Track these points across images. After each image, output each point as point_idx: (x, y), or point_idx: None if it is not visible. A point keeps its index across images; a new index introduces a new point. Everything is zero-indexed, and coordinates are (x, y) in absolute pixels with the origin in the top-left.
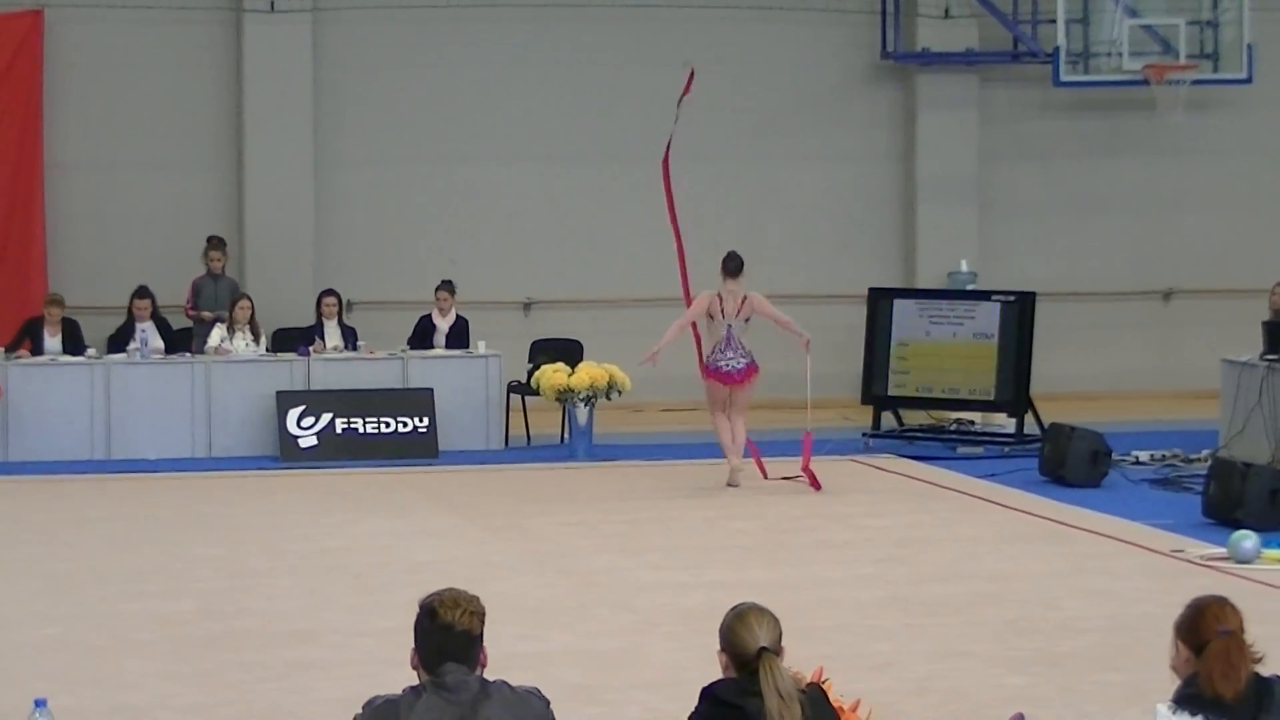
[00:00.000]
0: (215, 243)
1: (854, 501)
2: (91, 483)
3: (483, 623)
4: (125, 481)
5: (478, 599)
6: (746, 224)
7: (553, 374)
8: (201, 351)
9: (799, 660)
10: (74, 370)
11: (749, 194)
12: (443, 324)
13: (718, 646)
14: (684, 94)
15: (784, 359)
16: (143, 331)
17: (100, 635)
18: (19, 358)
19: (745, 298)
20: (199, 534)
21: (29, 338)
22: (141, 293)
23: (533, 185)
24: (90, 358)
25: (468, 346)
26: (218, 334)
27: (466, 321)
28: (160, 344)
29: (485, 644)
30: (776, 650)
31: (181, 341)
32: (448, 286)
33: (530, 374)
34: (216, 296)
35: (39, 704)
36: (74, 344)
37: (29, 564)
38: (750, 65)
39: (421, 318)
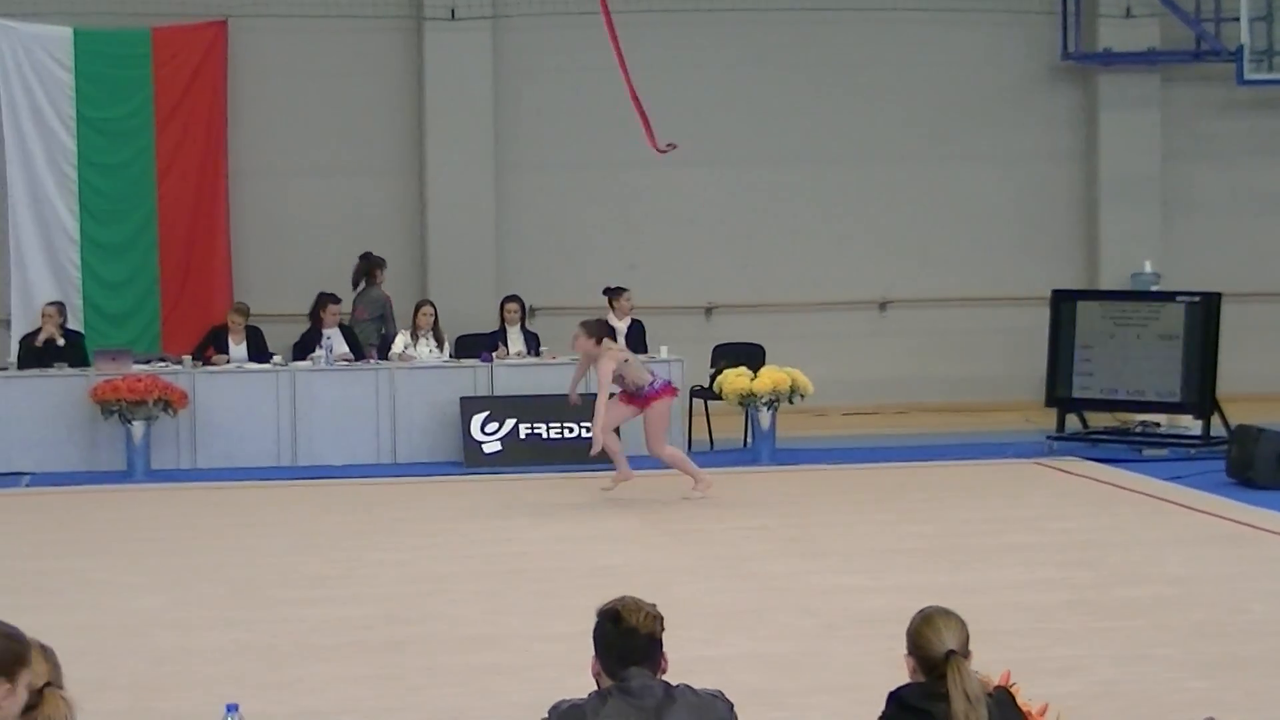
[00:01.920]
0: (381, 262)
1: (1037, 504)
2: (277, 489)
3: (663, 627)
4: (310, 488)
5: (655, 605)
6: (923, 226)
7: (735, 378)
8: (384, 357)
9: (982, 665)
10: (260, 378)
11: (926, 196)
12: (620, 326)
13: (903, 650)
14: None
15: (964, 362)
16: (328, 339)
17: (284, 639)
18: (207, 364)
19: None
20: (383, 539)
21: (213, 346)
22: (331, 299)
23: (713, 188)
24: (276, 365)
25: (644, 350)
26: (401, 341)
27: (642, 325)
28: (346, 350)
29: (665, 649)
30: (964, 654)
31: (357, 349)
32: (623, 290)
33: (713, 378)
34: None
35: (230, 709)
36: (258, 351)
37: (215, 569)
38: (928, 67)
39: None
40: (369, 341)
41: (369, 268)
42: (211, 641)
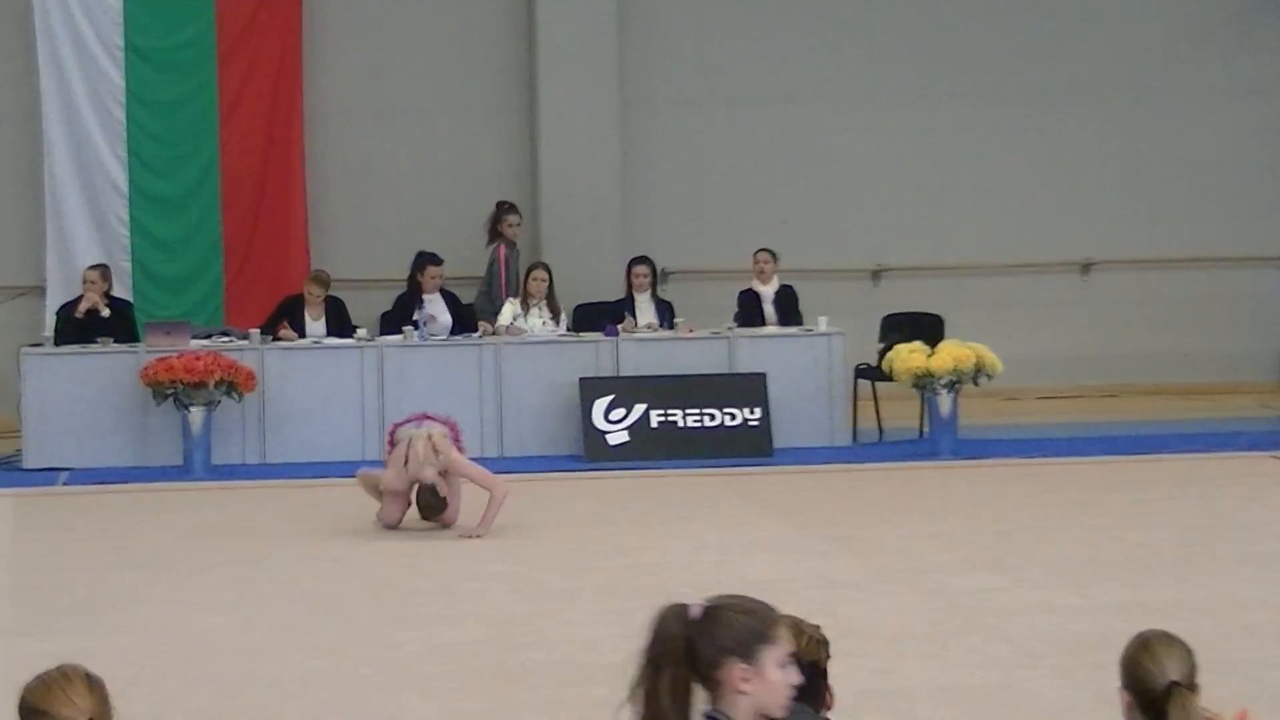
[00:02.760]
0: (511, 208)
1: (1277, 505)
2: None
3: (829, 654)
4: None
5: (819, 627)
6: (1135, 173)
7: (908, 355)
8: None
9: (1216, 701)
10: (342, 355)
11: (1138, 138)
12: (766, 291)
13: (1117, 683)
14: None
15: (1184, 336)
16: (427, 308)
17: (375, 668)
18: (278, 339)
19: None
20: (488, 548)
21: (287, 319)
22: (432, 259)
23: (881, 129)
24: (360, 340)
25: (796, 319)
26: (509, 311)
27: (792, 290)
28: (449, 320)
29: (830, 680)
30: (1190, 686)
31: (470, 319)
32: (767, 250)
33: (881, 355)
34: (518, 272)
35: None
36: (340, 325)
37: (291, 584)
38: None
39: (743, 291)
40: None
41: (498, 215)
42: (288, 670)
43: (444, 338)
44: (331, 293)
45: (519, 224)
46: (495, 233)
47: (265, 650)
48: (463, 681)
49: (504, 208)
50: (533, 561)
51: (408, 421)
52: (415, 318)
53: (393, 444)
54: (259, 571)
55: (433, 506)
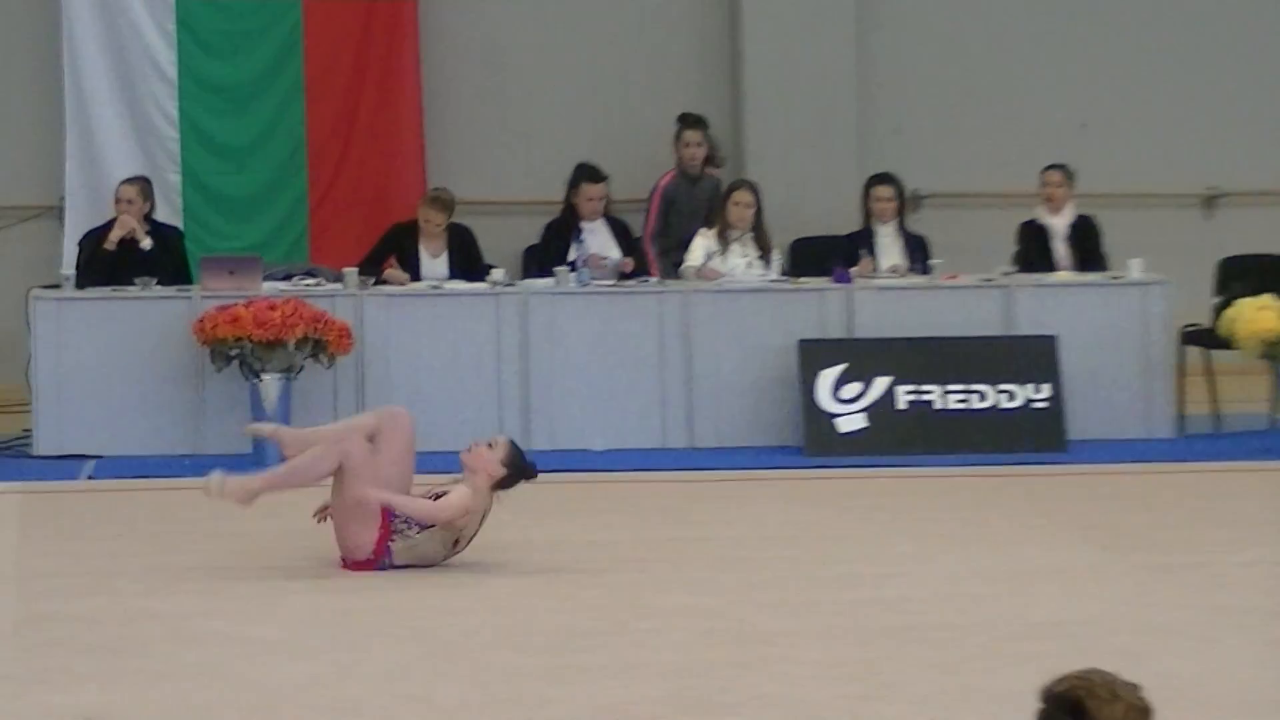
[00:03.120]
0: (692, 122)
1: None
2: None
3: None
4: (553, 488)
5: (1137, 688)
6: None
7: (1256, 314)
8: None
9: None
10: (470, 305)
11: None
12: (1057, 224)
13: None
14: None
15: None
16: (583, 240)
17: None
18: (382, 282)
19: None
20: (669, 574)
21: (395, 255)
22: (589, 174)
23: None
24: (495, 283)
25: (1099, 262)
26: (702, 247)
27: (1094, 222)
28: (614, 258)
29: None
30: None
31: (636, 259)
32: (1059, 167)
33: (1217, 313)
34: (693, 209)
35: None
36: (467, 264)
37: (397, 619)
38: None
39: (1025, 224)
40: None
41: (679, 130)
42: None
43: (611, 282)
44: (456, 220)
45: (699, 144)
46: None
47: (362, 711)
48: None
49: (685, 122)
50: (732, 593)
51: None
52: (572, 255)
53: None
54: (353, 601)
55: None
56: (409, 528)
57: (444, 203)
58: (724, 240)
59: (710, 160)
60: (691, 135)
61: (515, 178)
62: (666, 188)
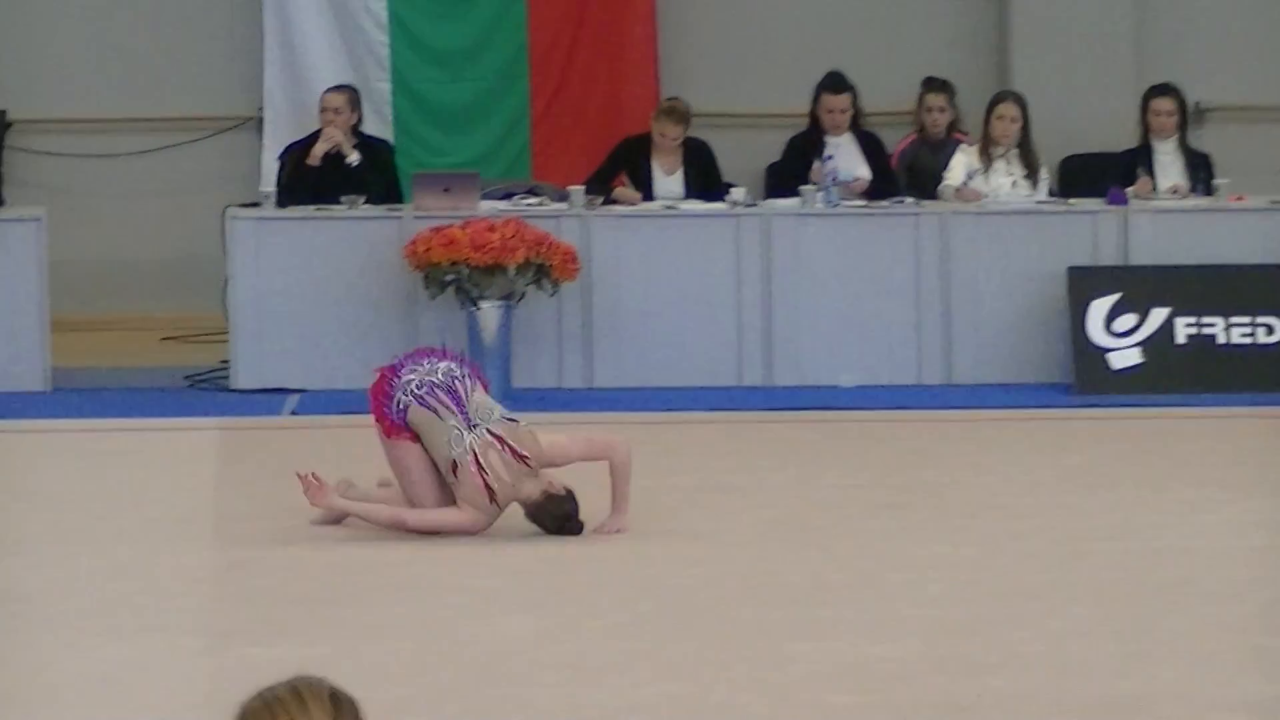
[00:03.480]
0: (937, 86)
1: None
2: (731, 426)
3: None
4: (797, 428)
5: None
6: None
7: None
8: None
9: None
10: (708, 227)
11: None
12: None
13: None
14: None
15: None
16: (830, 156)
17: (754, 695)
18: (612, 202)
19: None
20: (924, 522)
21: (625, 172)
22: (831, 84)
23: None
24: (735, 204)
25: None
26: (962, 164)
27: None
28: (863, 175)
29: None
30: None
31: (896, 176)
32: None
33: None
34: (934, 176)
35: None
36: (705, 182)
37: (627, 572)
38: None
39: None
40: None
41: (921, 94)
42: (624, 696)
43: (861, 203)
44: (692, 133)
45: (942, 109)
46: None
47: (588, 666)
48: (886, 717)
49: (928, 85)
50: (993, 543)
51: (395, 377)
52: (818, 172)
53: (388, 423)
54: (577, 550)
55: (570, 517)
56: None
57: (679, 115)
58: (987, 157)
59: (954, 127)
60: (934, 99)
61: (757, 88)
62: (905, 152)
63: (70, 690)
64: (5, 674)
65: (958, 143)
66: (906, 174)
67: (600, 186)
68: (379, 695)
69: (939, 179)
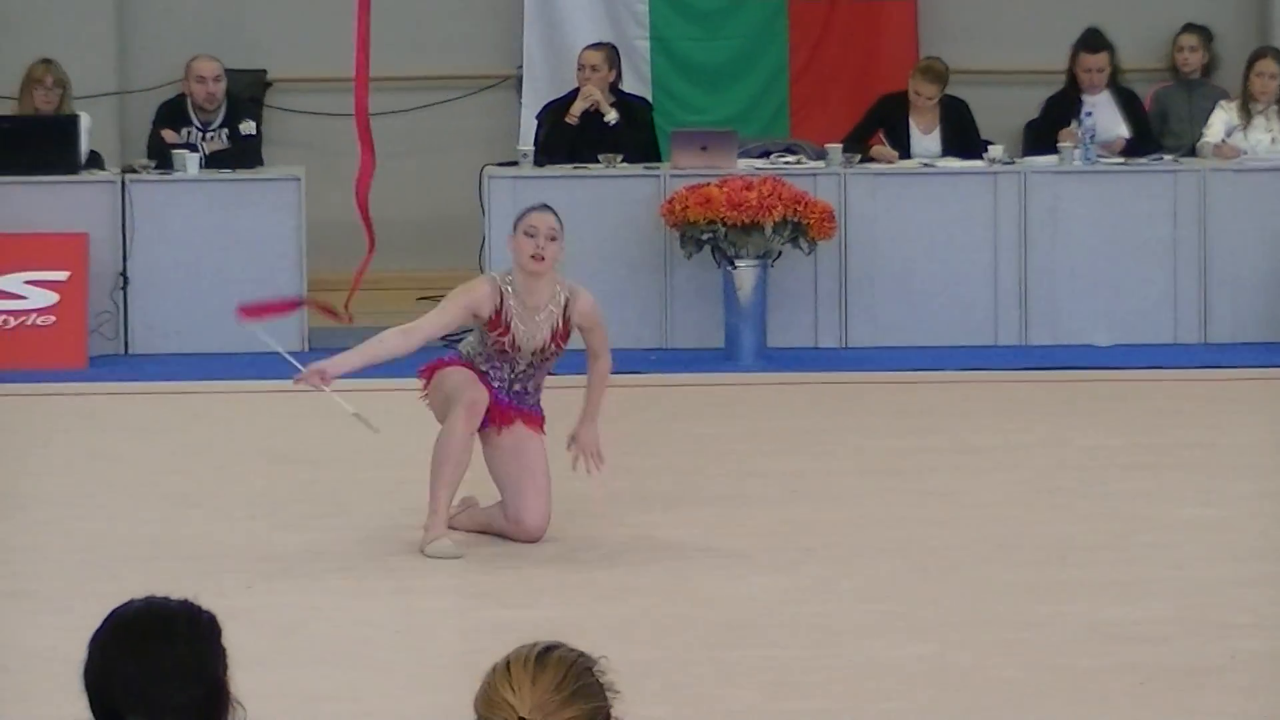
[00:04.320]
0: (1193, 28)
1: None
2: (989, 387)
3: None
4: (1053, 386)
5: None
6: None
7: None
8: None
9: None
10: (964, 185)
11: None
12: None
13: None
14: None
15: None
16: (1088, 113)
17: (1005, 659)
18: (869, 160)
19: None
20: (1178, 483)
21: (882, 129)
22: (1088, 43)
23: None
24: (993, 161)
25: None
26: (1221, 120)
27: None
28: (1124, 132)
29: None
30: None
31: (1154, 133)
32: None
33: None
34: (1191, 118)
35: None
36: (963, 141)
37: (872, 527)
38: None
39: None
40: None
41: (1176, 35)
42: (864, 657)
43: (1119, 160)
44: (950, 91)
45: (1194, 49)
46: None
47: (837, 627)
48: (1145, 683)
49: (1185, 28)
50: (1248, 504)
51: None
52: (1074, 129)
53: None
54: (826, 512)
55: None
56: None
57: (937, 73)
58: (1246, 113)
59: (1209, 70)
60: (1187, 39)
61: (1015, 45)
62: (1158, 95)
63: (326, 646)
64: (299, 632)
65: (1211, 87)
66: (1159, 119)
67: (858, 145)
68: (627, 656)
69: (1191, 120)
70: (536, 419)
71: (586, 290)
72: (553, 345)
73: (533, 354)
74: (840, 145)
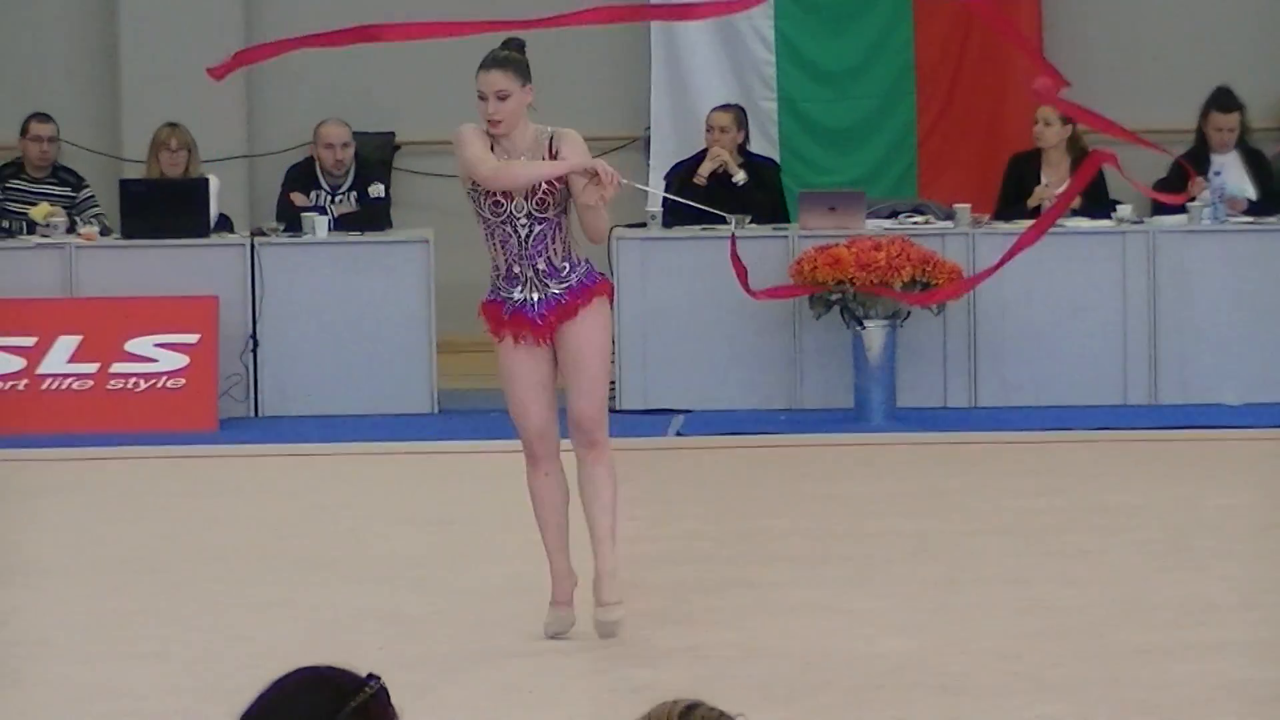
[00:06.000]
0: None
1: None
2: (1119, 446)
3: None
4: (1177, 446)
5: None
6: None
7: None
8: None
9: None
10: (1093, 245)
11: None
12: None
13: None
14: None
15: None
16: (1217, 172)
17: (1105, 714)
18: (1009, 218)
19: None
20: None
21: (1015, 187)
22: (1219, 102)
23: None
24: (1121, 220)
25: None
26: None
27: None
28: (1252, 191)
29: None
30: None
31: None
32: None
33: None
34: None
35: None
36: (1091, 198)
37: (1004, 587)
38: None
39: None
40: None
41: None
42: (1023, 718)
43: (1248, 219)
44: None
45: None
46: None
47: (969, 687)
48: None
49: None
50: None
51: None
52: (1202, 187)
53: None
54: (956, 570)
55: None
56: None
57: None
58: None
59: None
60: None
61: (1145, 103)
62: None
63: (460, 709)
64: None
65: None
66: None
67: (1012, 207)
68: (761, 717)
69: None
70: (583, 297)
71: (572, 131)
72: (545, 185)
73: (525, 199)
74: (968, 205)
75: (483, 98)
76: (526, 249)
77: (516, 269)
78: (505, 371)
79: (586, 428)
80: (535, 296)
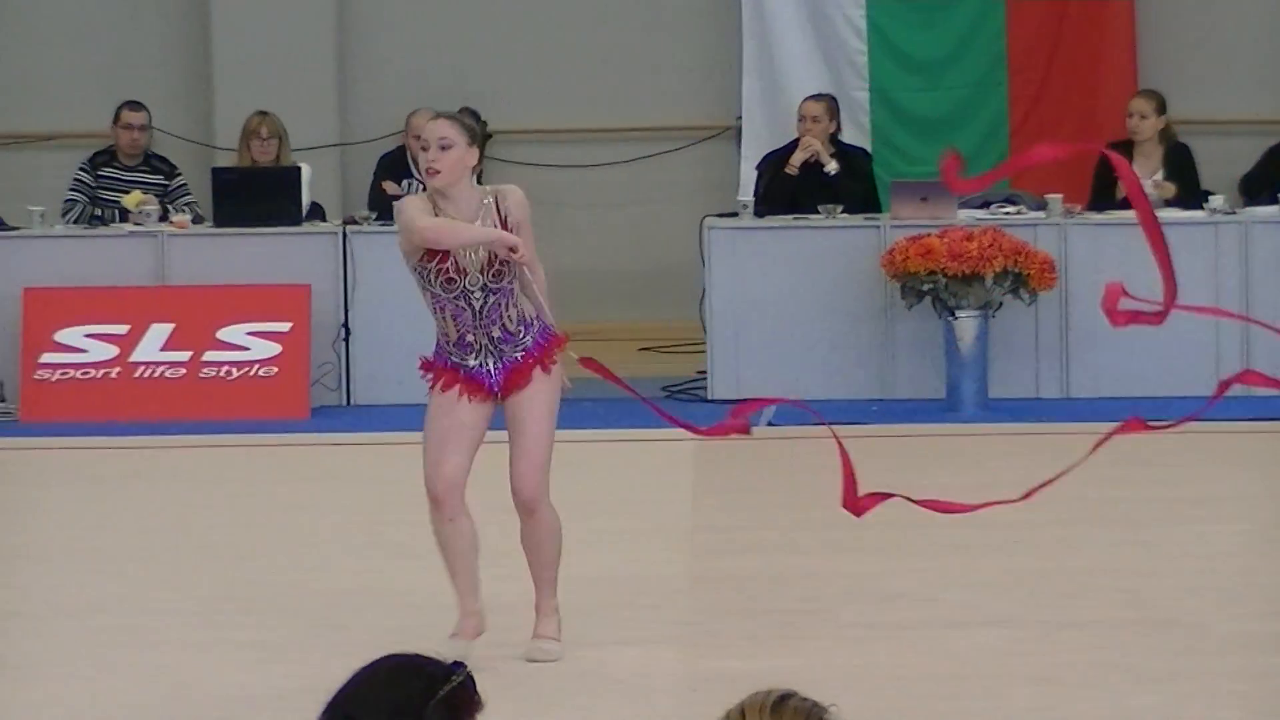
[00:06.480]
0: None
1: None
2: (1212, 437)
3: None
4: (1273, 436)
5: None
6: None
7: None
8: None
9: None
10: (1185, 235)
11: None
12: None
13: None
14: None
15: None
16: None
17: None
18: (1099, 208)
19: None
20: None
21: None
22: None
23: None
24: (1213, 211)
25: None
26: None
27: None
28: None
29: None
30: None
31: None
32: None
33: None
34: None
35: None
36: (1184, 188)
37: (1111, 589)
38: None
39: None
40: None
41: None
42: (1117, 708)
43: None
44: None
45: None
46: None
47: (1063, 678)
48: None
49: None
50: None
51: None
52: None
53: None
54: (1049, 560)
55: None
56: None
57: (1153, 92)
58: None
59: None
60: None
61: (1234, 94)
62: None
63: (552, 696)
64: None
65: None
66: None
67: (1102, 199)
68: (851, 704)
69: None
70: (537, 355)
71: (515, 187)
72: (500, 257)
73: (480, 272)
74: (1060, 196)
75: (424, 146)
76: (481, 320)
77: (470, 338)
78: (437, 420)
79: (525, 498)
80: (491, 363)
